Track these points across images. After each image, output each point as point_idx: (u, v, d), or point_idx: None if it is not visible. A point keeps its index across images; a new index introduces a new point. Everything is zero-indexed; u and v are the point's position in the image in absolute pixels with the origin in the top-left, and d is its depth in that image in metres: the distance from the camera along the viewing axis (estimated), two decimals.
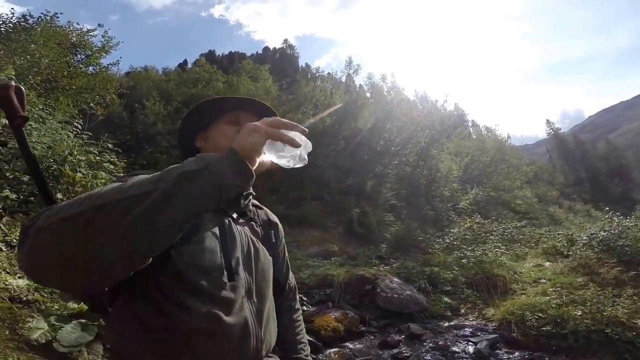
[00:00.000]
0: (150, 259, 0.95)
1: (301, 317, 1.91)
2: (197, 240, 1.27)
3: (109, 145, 8.74)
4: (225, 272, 1.29)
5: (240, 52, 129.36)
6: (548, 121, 68.62)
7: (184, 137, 1.64)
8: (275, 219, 1.77)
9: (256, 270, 1.43)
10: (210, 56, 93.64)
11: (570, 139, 66.49)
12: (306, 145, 1.15)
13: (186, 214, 0.92)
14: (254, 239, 1.50)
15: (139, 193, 0.87)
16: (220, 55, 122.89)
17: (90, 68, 15.68)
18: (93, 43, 15.81)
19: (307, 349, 1.82)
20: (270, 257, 1.58)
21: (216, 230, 1.35)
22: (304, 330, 1.89)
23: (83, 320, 4.06)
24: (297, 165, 1.15)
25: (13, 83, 1.20)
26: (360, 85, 32.46)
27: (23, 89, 1.24)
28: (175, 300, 1.19)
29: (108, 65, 16.94)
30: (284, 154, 1.12)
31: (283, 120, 1.09)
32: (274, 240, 1.69)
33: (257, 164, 1.03)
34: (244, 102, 1.58)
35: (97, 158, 7.80)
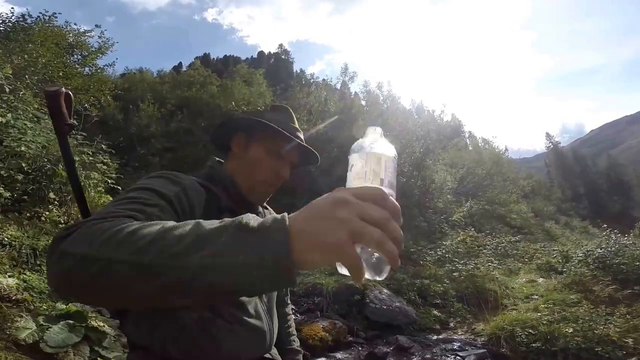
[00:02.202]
0: None
1: (291, 312, 2.00)
2: None
3: (103, 147, 8.72)
4: None
5: (235, 55, 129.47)
6: (548, 134, 68.67)
7: (230, 123, 1.63)
8: None
9: None
10: (205, 59, 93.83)
11: (570, 154, 66.50)
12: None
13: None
14: None
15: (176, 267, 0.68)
16: (215, 58, 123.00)
17: (86, 69, 15.71)
18: (90, 44, 15.84)
19: (297, 340, 1.92)
20: None
21: None
22: (294, 324, 1.98)
23: (71, 321, 4.06)
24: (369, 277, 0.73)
25: (63, 89, 1.19)
26: (355, 92, 32.53)
27: (72, 95, 1.23)
28: None
29: (104, 66, 17.00)
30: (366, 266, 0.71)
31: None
32: None
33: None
34: (304, 149, 1.60)
35: (91, 159, 7.80)
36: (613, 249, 9.55)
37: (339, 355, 6.48)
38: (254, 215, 0.73)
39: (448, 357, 6.49)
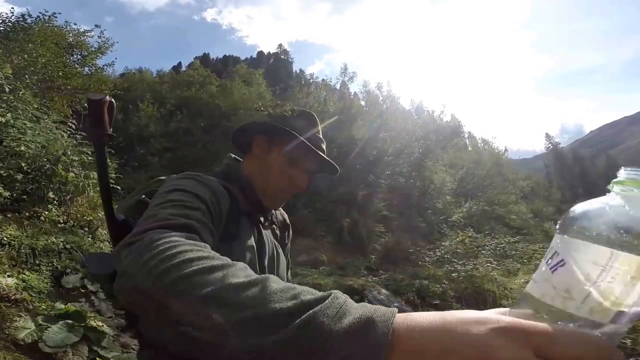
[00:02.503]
0: None
1: None
2: (237, 245, 1.30)
3: None
4: None
5: (234, 55, 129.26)
6: (547, 135, 68.43)
7: (255, 125, 1.58)
8: (288, 220, 1.80)
9: (277, 275, 1.46)
10: (204, 59, 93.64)
11: (570, 154, 66.39)
12: None
13: None
14: (276, 243, 1.56)
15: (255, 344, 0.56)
16: (215, 58, 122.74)
17: (86, 69, 15.69)
18: (89, 44, 15.82)
19: None
20: (285, 260, 1.63)
21: (251, 237, 1.38)
22: None
23: (70, 321, 4.06)
24: None
25: (108, 98, 1.16)
26: (355, 93, 32.52)
27: (115, 104, 1.20)
28: None
29: (103, 66, 16.95)
30: None
31: None
32: (286, 242, 1.76)
33: None
34: (325, 161, 1.56)
35: (90, 158, 7.79)
36: None
37: None
38: (343, 299, 0.57)
39: None
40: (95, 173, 7.57)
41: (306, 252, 12.41)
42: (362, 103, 27.79)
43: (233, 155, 1.59)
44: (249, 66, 39.91)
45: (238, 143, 1.63)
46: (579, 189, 55.58)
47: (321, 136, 1.60)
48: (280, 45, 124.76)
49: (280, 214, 1.75)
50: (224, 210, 1.25)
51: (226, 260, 0.74)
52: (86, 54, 15.64)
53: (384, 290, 8.62)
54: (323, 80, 31.53)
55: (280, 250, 1.59)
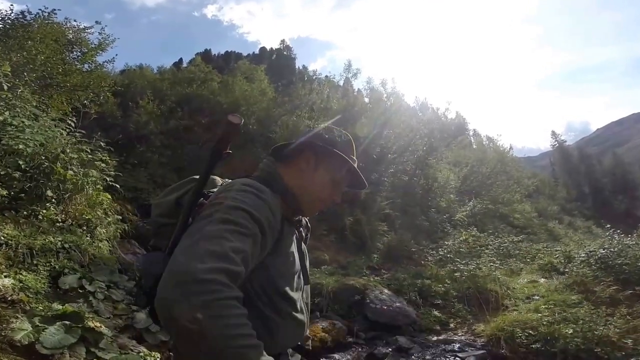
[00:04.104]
0: None
1: None
2: (285, 251, 1.51)
3: (102, 144, 8.67)
4: (302, 277, 1.63)
5: (236, 52, 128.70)
6: (553, 132, 67.97)
7: (305, 143, 1.66)
8: (308, 222, 1.92)
9: (306, 272, 1.71)
10: (206, 55, 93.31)
11: (575, 152, 66.12)
12: None
13: None
14: (304, 245, 1.78)
15: None
16: (217, 54, 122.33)
17: (86, 65, 15.62)
18: (89, 40, 15.77)
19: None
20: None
21: (293, 242, 1.59)
22: None
23: (67, 322, 4.03)
24: None
25: (241, 123, 1.30)
26: (358, 89, 32.37)
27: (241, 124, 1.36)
28: (266, 301, 1.43)
29: (103, 62, 16.93)
30: None
31: None
32: (307, 242, 1.89)
33: None
34: (361, 180, 1.74)
35: (89, 156, 7.75)
36: (616, 249, 9.49)
37: (338, 356, 6.48)
38: None
39: (447, 358, 6.48)
40: (94, 171, 7.57)
41: (308, 251, 12.36)
42: (366, 100, 27.72)
43: (268, 161, 1.69)
44: (251, 62, 39.75)
45: (280, 151, 1.70)
46: (585, 187, 55.37)
47: (355, 157, 1.74)
48: (282, 42, 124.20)
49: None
50: (279, 224, 1.43)
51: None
52: (86, 50, 15.57)
53: (386, 290, 8.59)
54: (326, 77, 31.50)
55: (306, 250, 1.79)
